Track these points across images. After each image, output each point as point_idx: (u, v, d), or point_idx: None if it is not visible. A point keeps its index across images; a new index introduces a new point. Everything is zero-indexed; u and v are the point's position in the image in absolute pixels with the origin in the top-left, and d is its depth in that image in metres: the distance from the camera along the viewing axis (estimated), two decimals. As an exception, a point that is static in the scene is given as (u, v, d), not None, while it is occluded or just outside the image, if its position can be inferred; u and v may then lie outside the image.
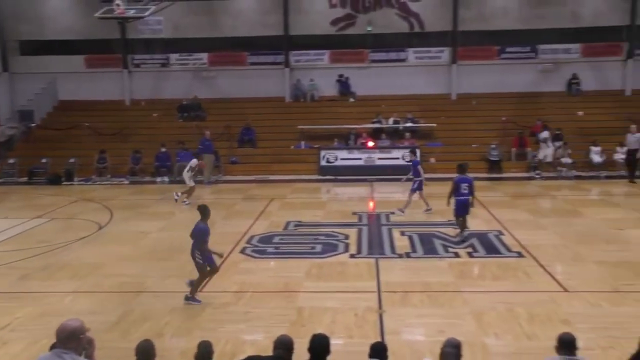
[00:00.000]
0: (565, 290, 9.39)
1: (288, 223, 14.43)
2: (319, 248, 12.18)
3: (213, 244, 12.38)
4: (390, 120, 24.29)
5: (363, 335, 7.71)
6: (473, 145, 22.71)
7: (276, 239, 13.04)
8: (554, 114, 24.19)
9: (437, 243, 12.34)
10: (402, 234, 13.15)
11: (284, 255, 11.86)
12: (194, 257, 9.07)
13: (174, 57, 27.30)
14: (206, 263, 9.09)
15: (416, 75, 26.16)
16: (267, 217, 15.20)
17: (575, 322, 7.96)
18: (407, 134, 23.30)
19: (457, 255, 11.50)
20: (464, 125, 24.18)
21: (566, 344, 5.01)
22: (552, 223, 13.94)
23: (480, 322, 8.14)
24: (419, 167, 15.40)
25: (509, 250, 11.81)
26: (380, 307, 8.79)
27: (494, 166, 21.57)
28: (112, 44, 27.25)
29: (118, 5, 17.89)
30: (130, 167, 22.36)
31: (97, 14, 18.90)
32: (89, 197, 18.65)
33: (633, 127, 20.02)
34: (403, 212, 15.04)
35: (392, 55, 26.65)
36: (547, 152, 21.37)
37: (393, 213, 15.18)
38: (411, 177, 15.47)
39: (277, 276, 10.39)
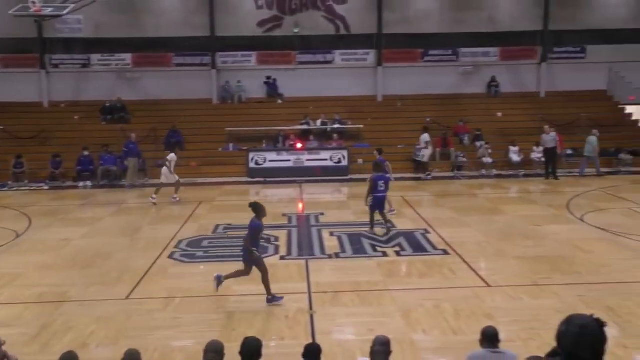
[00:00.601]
0: (488, 286, 9.75)
1: (217, 226, 14.27)
2: (248, 251, 12.10)
3: (140, 249, 12.09)
4: (318, 122, 24.47)
5: (294, 337, 7.74)
6: (399, 146, 23.19)
7: (205, 243, 12.87)
8: (475, 114, 25.08)
9: (366, 243, 12.53)
10: (332, 234, 13.27)
11: (214, 259, 11.71)
12: (251, 255, 8.88)
13: (95, 57, 26.43)
14: (259, 259, 8.99)
15: (343, 77, 26.48)
16: (195, 221, 14.97)
17: (497, 315, 8.28)
18: (335, 135, 23.54)
19: (385, 254, 11.72)
20: (390, 126, 24.66)
21: (489, 337, 5.21)
22: (475, 221, 14.44)
23: (408, 319, 8.34)
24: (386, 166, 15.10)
25: (435, 248, 12.14)
26: (311, 308, 8.85)
27: (420, 166, 22.11)
28: (29, 44, 26.05)
29: (34, 2, 17.12)
30: (50, 171, 21.43)
31: (11, 12, 18.04)
32: (5, 204, 17.76)
33: (547, 127, 21.05)
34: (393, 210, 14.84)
35: (319, 57, 26.86)
36: (425, 152, 21.48)
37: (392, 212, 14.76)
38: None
39: (207, 280, 10.21)
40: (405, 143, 23.29)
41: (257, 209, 8.97)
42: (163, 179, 17.73)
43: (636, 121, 26.25)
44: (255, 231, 8.91)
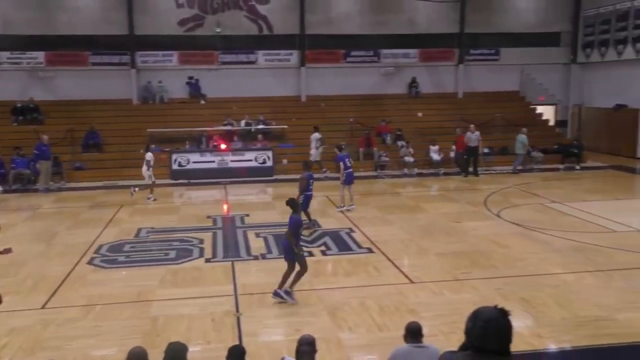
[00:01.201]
0: (412, 282, 10.00)
1: (140, 230, 13.90)
2: (173, 254, 11.88)
3: (57, 255, 11.61)
4: (242, 122, 24.29)
5: (221, 340, 7.66)
6: (323, 146, 23.33)
7: (127, 247, 12.51)
8: (397, 115, 25.64)
9: (292, 243, 12.54)
10: (257, 235, 13.22)
11: (136, 264, 11.40)
12: (292, 251, 8.95)
13: (4, 55, 25.11)
14: (302, 256, 9.11)
15: (266, 77, 26.43)
16: (116, 225, 14.52)
17: (420, 311, 8.52)
18: (260, 136, 23.44)
19: (311, 254, 11.77)
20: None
21: (413, 333, 5.35)
22: (398, 219, 14.76)
23: (334, 317, 8.43)
24: (343, 162, 15.53)
25: (359, 246, 12.33)
26: (237, 310, 8.78)
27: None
28: None
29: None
30: (-45, 176, 20.19)
31: None
32: None
33: (472, 126, 21.83)
34: (350, 206, 15.60)
35: (242, 57, 26.68)
36: (313, 152, 21.68)
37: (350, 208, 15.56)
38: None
39: (129, 286, 9.96)
40: (328, 143, 23.44)
41: (294, 204, 9.27)
42: (149, 180, 17.85)
43: (546, 120, 27.65)
44: (296, 227, 9.06)
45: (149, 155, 17.89)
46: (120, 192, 18.99)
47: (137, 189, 17.75)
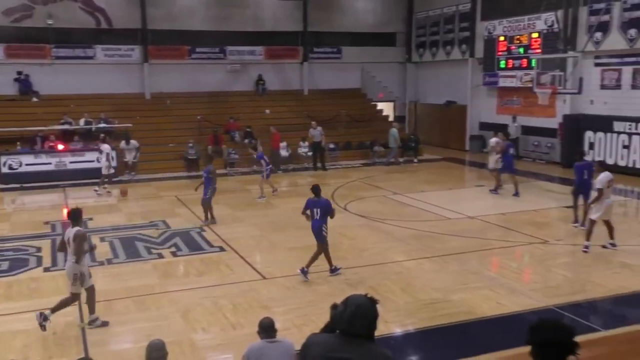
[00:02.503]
0: (264, 278, 10.10)
1: (-36, 241, 12.61)
2: (5, 265, 10.94)
3: None
4: (82, 121, 22.88)
5: (64, 354, 7.21)
6: (170, 145, 22.79)
7: (-50, 261, 11.29)
8: (244, 112, 25.66)
9: (140, 246, 12.12)
10: (102, 239, 12.57)
11: (-38, 278, 10.33)
12: (321, 232, 9.81)
13: None
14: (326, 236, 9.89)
15: (107, 73, 25.13)
16: None
17: (273, 306, 8.63)
18: (102, 135, 22.21)
19: (161, 256, 11.46)
20: (160, 124, 24.10)
21: (265, 328, 5.42)
22: (249, 215, 14.81)
23: (187, 319, 8.28)
24: (264, 159, 17.01)
25: (211, 245, 12.21)
26: (81, 320, 8.29)
27: (192, 164, 21.96)
28: None
29: None
30: None
31: None
32: None
33: (313, 123, 22.46)
34: (270, 193, 17.09)
35: (79, 52, 25.10)
36: (129, 157, 21.35)
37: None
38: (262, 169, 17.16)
39: (-46, 303, 9.01)
40: (176, 142, 22.95)
41: (319, 189, 10.14)
42: (107, 170, 18.11)
43: (387, 116, 29.21)
44: (329, 207, 9.97)
45: (105, 147, 17.43)
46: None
47: (100, 186, 17.75)
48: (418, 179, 20.36)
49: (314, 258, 9.92)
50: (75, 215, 8.20)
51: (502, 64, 24.61)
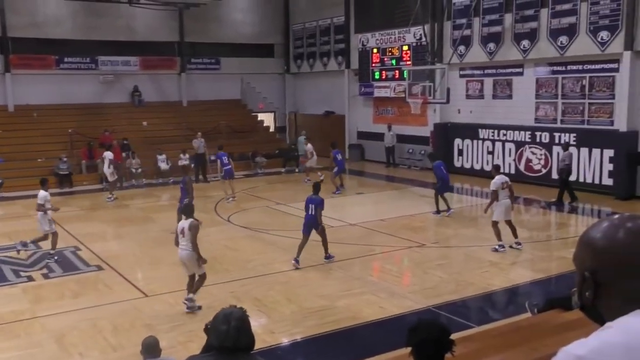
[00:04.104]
0: (146, 295, 9.75)
1: None
2: None
3: None
4: None
5: None
6: (39, 160, 21.44)
7: None
8: (120, 124, 24.67)
9: (7, 269, 11.29)
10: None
11: None
12: (315, 221, 11.04)
13: None
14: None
15: (-37, 84, 23.23)
16: None
17: (157, 324, 8.36)
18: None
19: (31, 278, 10.74)
20: (27, 138, 22.57)
21: (148, 348, 5.25)
22: (129, 232, 14.27)
23: (62, 344, 7.81)
24: (221, 160, 18.11)
25: (87, 265, 11.62)
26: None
27: (65, 180, 20.79)
28: None
29: None
30: None
31: None
32: None
33: (199, 133, 22.33)
34: (234, 198, 17.88)
35: None
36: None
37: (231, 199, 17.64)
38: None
39: None
40: (45, 156, 21.63)
41: (319, 187, 11.57)
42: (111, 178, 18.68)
43: (267, 127, 29.34)
44: (322, 204, 11.18)
45: (108, 154, 18.39)
46: None
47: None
48: (300, 188, 20.56)
49: (324, 242, 11.27)
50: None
51: (377, 75, 25.54)
